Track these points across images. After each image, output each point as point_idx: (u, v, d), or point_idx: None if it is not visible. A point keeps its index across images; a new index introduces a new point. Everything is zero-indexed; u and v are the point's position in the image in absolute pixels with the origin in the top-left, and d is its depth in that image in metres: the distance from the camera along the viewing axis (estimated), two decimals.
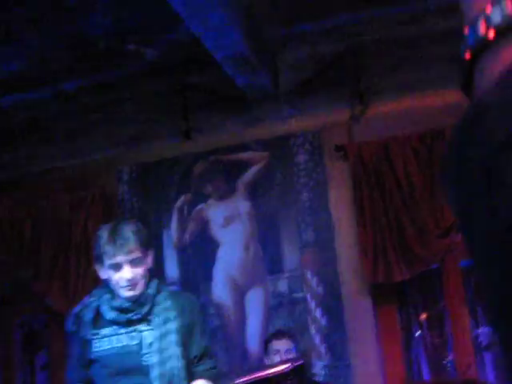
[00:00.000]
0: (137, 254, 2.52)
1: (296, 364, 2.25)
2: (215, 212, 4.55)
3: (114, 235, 2.51)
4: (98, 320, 2.56)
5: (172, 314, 2.59)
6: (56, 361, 4.71)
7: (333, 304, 4.28)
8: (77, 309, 2.63)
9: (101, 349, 2.53)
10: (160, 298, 2.62)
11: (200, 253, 4.54)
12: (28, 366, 4.92)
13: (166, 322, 2.57)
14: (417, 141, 4.20)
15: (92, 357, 2.54)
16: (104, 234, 2.55)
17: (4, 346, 4.92)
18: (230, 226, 4.51)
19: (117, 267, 2.51)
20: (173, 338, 2.54)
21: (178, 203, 4.60)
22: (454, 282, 4.27)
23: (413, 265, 4.11)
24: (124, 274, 2.50)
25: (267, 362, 3.78)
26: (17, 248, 4.69)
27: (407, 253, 4.10)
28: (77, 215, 4.60)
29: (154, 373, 2.46)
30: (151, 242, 2.71)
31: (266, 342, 3.92)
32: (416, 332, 4.48)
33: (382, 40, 4.37)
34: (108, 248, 2.50)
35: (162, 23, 4.04)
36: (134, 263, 2.52)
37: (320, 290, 4.32)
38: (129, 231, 2.54)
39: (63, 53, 4.30)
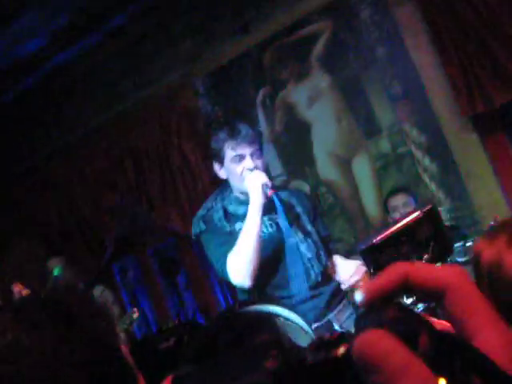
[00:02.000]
0: (257, 146, 2.60)
1: (426, 209, 2.27)
2: (297, 95, 4.50)
3: (236, 129, 2.57)
4: (229, 217, 2.63)
5: (293, 200, 2.70)
6: (195, 280, 5.02)
7: (439, 148, 4.21)
8: (202, 212, 2.70)
9: None
10: (279, 189, 2.71)
11: (295, 139, 4.55)
12: (172, 288, 5.25)
13: (292, 206, 2.67)
14: None
15: None
16: (223, 131, 2.61)
17: (146, 276, 5.28)
18: (315, 103, 4.47)
19: (240, 158, 2.56)
20: (304, 218, 2.65)
21: (259, 97, 4.59)
22: None
23: (511, 84, 3.92)
24: (247, 164, 2.55)
25: (390, 220, 3.83)
26: (124, 186, 4.90)
27: (501, 74, 3.91)
28: (169, 139, 4.71)
29: (303, 247, 2.58)
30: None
31: (385, 201, 3.97)
32: None
33: None
34: (231, 141, 2.56)
35: None
36: (254, 155, 2.58)
37: (422, 138, 4.25)
38: (247, 127, 2.62)
39: None
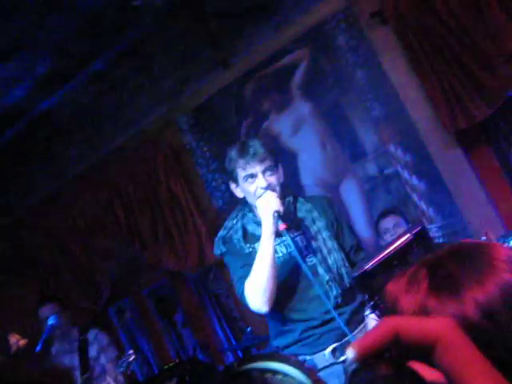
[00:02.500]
0: (269, 163, 2.55)
1: (415, 231, 2.27)
2: (280, 124, 4.54)
3: (245, 148, 2.54)
4: (248, 237, 2.60)
5: (315, 214, 2.64)
6: (193, 317, 4.98)
7: (425, 167, 4.24)
8: (222, 233, 2.67)
9: None
10: (298, 204, 2.66)
11: (282, 168, 4.56)
12: (170, 327, 5.21)
13: (313, 222, 2.62)
14: None
15: None
16: (233, 151, 2.59)
17: (143, 316, 5.23)
18: (299, 131, 4.50)
19: (252, 177, 2.53)
20: (325, 234, 2.60)
21: (243, 130, 4.62)
22: None
23: (490, 99, 3.97)
24: (259, 183, 2.52)
25: (382, 243, 3.83)
26: (115, 228, 4.89)
27: (479, 89, 3.96)
28: (157, 178, 4.72)
29: (321, 269, 2.54)
30: (276, 156, 2.69)
31: (376, 224, 3.97)
32: None
33: None
34: (241, 161, 2.53)
35: None
36: (267, 172, 2.54)
37: (408, 158, 4.27)
38: (257, 143, 2.58)
39: (80, 37, 4.30)
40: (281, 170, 2.65)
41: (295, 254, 2.47)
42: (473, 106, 3.98)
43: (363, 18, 4.27)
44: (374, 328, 0.51)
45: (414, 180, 4.27)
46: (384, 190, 4.37)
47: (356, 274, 2.27)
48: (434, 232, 4.24)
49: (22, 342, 4.09)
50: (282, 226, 2.44)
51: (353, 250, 2.69)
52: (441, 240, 4.21)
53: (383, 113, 4.29)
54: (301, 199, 2.71)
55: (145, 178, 4.77)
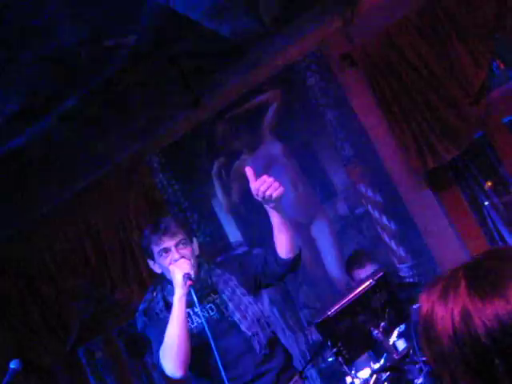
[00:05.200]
0: (181, 237, 2.67)
1: (377, 277, 2.28)
2: (252, 164, 4.53)
3: (157, 225, 2.69)
4: (169, 308, 2.65)
5: (226, 276, 2.77)
6: None
7: (395, 206, 4.27)
8: (143, 306, 2.78)
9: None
10: (211, 271, 2.79)
11: (253, 208, 4.56)
12: (140, 367, 5.12)
13: (225, 283, 2.73)
14: (416, 18, 4.05)
15: None
16: (147, 229, 2.74)
17: (113, 357, 5.14)
18: (270, 171, 4.51)
19: (165, 251, 2.64)
20: (238, 291, 2.72)
21: (214, 169, 4.63)
22: (503, 140, 4.17)
23: (457, 139, 4.03)
24: (173, 256, 2.63)
25: (354, 285, 3.82)
26: (85, 267, 4.84)
27: (446, 130, 4.02)
28: (127, 217, 4.69)
29: (244, 325, 2.64)
30: (191, 231, 2.83)
31: (348, 269, 3.92)
32: (484, 202, 4.41)
33: None
34: (153, 237, 2.66)
35: (129, 10, 3.98)
36: (180, 245, 2.65)
37: (378, 197, 4.30)
38: (169, 220, 2.74)
39: (50, 75, 4.30)
40: (195, 243, 2.77)
41: (199, 309, 2.57)
42: (441, 147, 4.04)
43: (333, 60, 4.33)
44: None
45: (384, 220, 4.29)
46: (355, 229, 4.38)
47: (318, 320, 2.26)
48: (405, 271, 4.25)
49: None
50: (188, 283, 2.54)
51: (267, 263, 2.77)
52: (411, 279, 4.22)
53: (353, 153, 4.33)
54: (212, 266, 2.83)
55: (115, 217, 4.74)
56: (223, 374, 2.48)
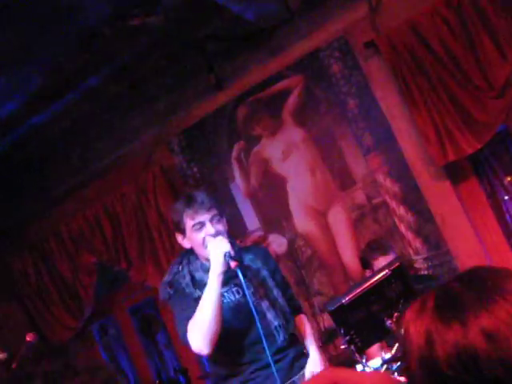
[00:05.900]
0: (215, 211, 2.63)
1: (393, 266, 2.28)
2: (271, 149, 4.55)
3: (191, 199, 2.63)
4: (196, 284, 2.64)
5: (258, 263, 2.73)
6: (176, 338, 4.93)
7: (413, 197, 4.25)
8: (168, 278, 2.71)
9: None
10: (242, 254, 2.71)
11: (271, 193, 4.58)
12: (152, 346, 5.18)
13: (258, 271, 2.70)
14: (443, 9, 4.00)
15: None
16: (180, 202, 2.68)
17: (125, 334, 5.20)
18: (289, 157, 4.51)
19: (200, 226, 2.59)
20: (270, 282, 2.69)
21: (234, 153, 4.63)
22: None
23: (479, 133, 3.99)
24: (208, 231, 2.58)
25: (367, 274, 3.79)
26: (102, 245, 4.88)
27: (469, 123, 3.98)
28: (146, 197, 4.72)
29: (269, 315, 2.61)
30: (221, 207, 2.79)
31: (368, 256, 3.78)
32: (504, 197, 4.37)
33: None
34: (189, 210, 2.60)
35: None
36: (214, 220, 2.61)
37: (396, 188, 4.28)
38: (202, 194, 2.68)
39: (75, 53, 4.32)
40: (225, 219, 2.73)
41: (246, 292, 2.52)
42: (463, 140, 4.00)
43: (357, 48, 4.30)
44: (313, 379, 0.52)
45: (402, 210, 4.27)
46: (372, 219, 4.37)
47: (332, 307, 2.27)
48: (420, 263, 4.24)
49: (1, 356, 4.06)
50: (233, 264, 2.50)
51: (288, 296, 2.79)
52: (426, 272, 4.21)
53: (373, 142, 4.31)
54: (243, 250, 2.79)
55: (133, 197, 4.76)
56: (268, 353, 2.47)
